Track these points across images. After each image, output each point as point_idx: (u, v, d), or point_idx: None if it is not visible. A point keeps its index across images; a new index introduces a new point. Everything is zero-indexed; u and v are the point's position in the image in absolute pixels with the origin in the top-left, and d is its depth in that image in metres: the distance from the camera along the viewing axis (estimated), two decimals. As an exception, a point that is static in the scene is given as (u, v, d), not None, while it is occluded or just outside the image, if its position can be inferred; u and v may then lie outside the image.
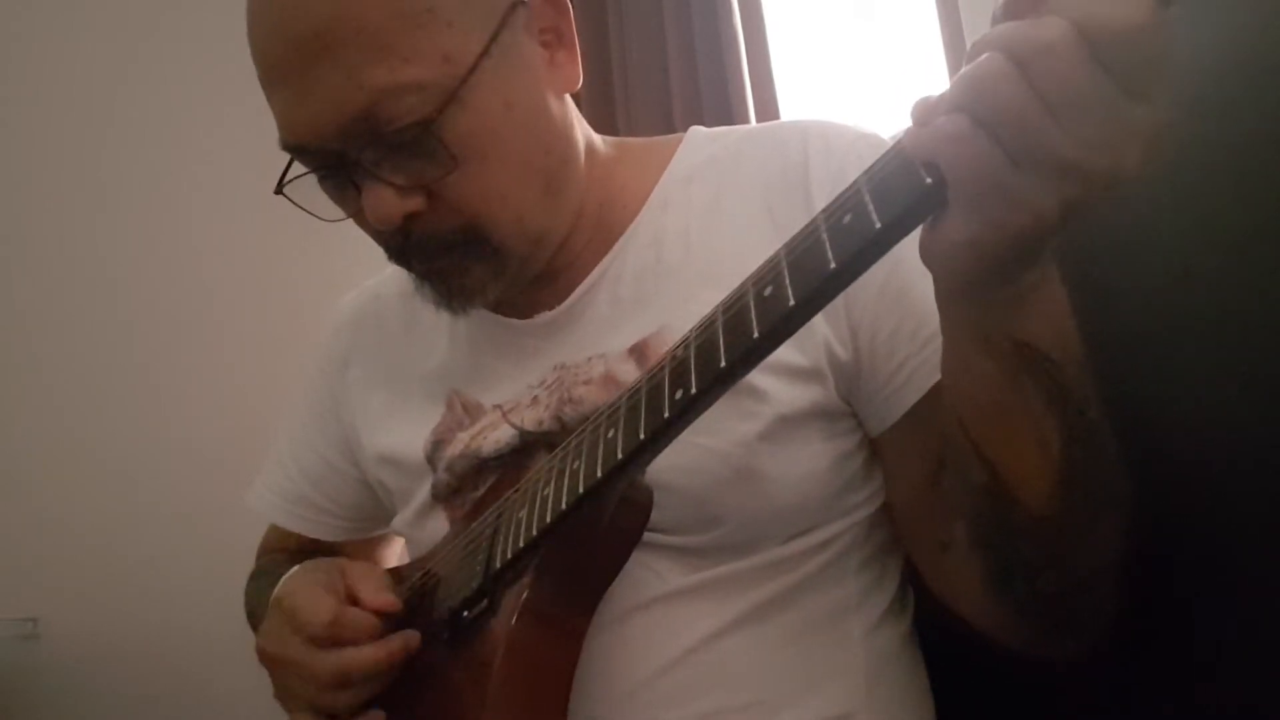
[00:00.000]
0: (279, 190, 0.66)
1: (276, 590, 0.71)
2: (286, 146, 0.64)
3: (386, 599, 0.68)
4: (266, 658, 0.70)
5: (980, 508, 0.54)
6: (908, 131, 0.41)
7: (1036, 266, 0.44)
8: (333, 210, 0.68)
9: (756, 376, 0.64)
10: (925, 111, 0.40)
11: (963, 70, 0.39)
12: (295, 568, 0.73)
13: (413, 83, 0.59)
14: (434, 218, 0.64)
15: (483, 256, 0.66)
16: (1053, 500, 0.50)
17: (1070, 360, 0.48)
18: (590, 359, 0.70)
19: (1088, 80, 0.36)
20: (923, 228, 0.43)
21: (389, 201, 0.62)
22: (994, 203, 0.39)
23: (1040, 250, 0.43)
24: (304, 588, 0.69)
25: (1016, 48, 0.37)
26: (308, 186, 0.67)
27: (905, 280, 0.63)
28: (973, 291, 0.46)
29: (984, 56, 0.38)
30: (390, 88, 0.59)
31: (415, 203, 0.63)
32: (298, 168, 0.66)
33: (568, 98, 0.72)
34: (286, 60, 0.60)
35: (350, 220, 0.68)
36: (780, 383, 0.64)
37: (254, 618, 0.84)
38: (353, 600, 0.68)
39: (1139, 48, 0.36)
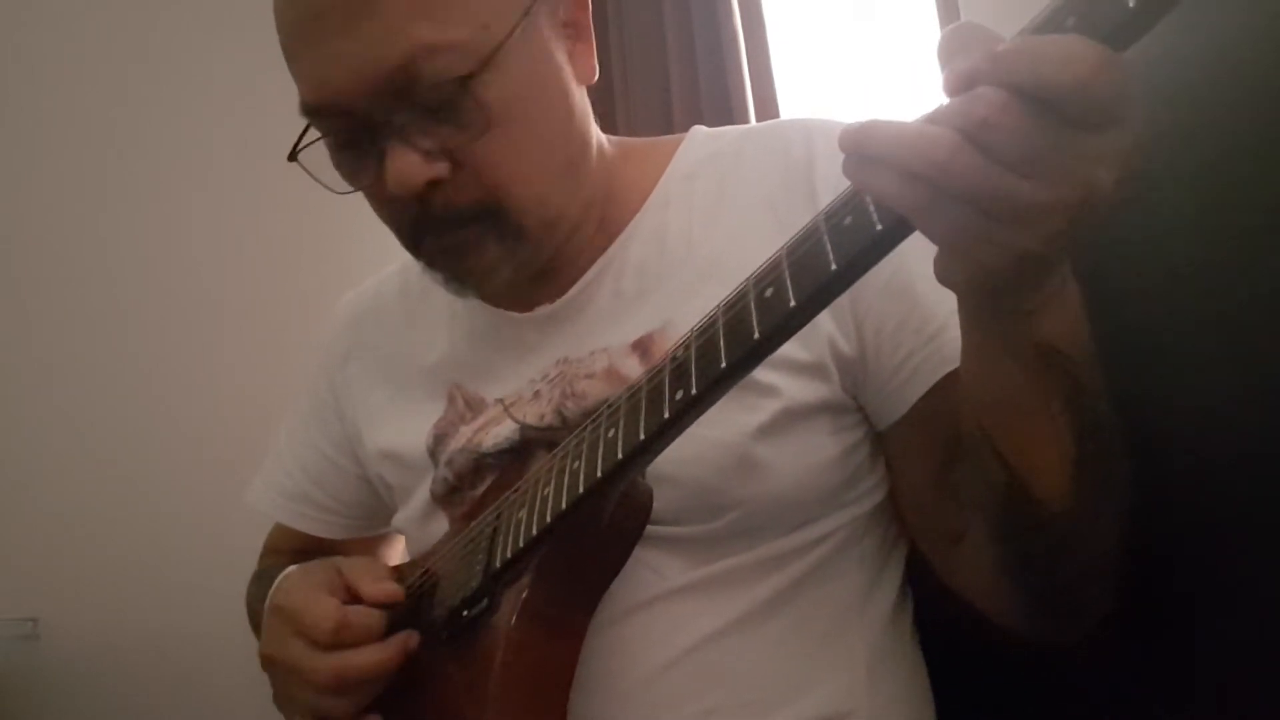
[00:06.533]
0: (293, 156, 0.66)
1: (273, 595, 0.71)
2: (310, 109, 0.63)
3: (388, 589, 0.67)
4: (268, 662, 0.69)
5: (998, 505, 0.54)
6: (863, 173, 0.40)
7: (1052, 274, 0.44)
8: (342, 184, 0.67)
9: (761, 371, 0.63)
10: (880, 151, 0.39)
11: (919, 139, 0.38)
12: (290, 568, 0.73)
13: (452, 42, 0.60)
14: (455, 188, 0.63)
15: (500, 233, 0.66)
16: (1066, 494, 0.51)
17: (1085, 356, 0.48)
18: (593, 353, 0.70)
19: (1041, 134, 0.36)
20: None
21: (414, 165, 0.61)
22: (978, 250, 0.40)
23: (1045, 273, 0.43)
24: (302, 590, 0.69)
25: (961, 123, 0.37)
26: (318, 161, 0.66)
27: (910, 275, 0.64)
28: (992, 307, 0.46)
29: (936, 130, 0.37)
30: (431, 44, 0.59)
31: (440, 169, 0.62)
32: (314, 133, 0.65)
33: (584, 92, 0.72)
34: (329, 12, 0.60)
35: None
36: (785, 378, 0.65)
37: (255, 620, 0.84)
38: (353, 597, 0.67)
39: (1094, 92, 0.35)
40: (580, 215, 0.71)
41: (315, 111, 0.64)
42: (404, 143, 0.61)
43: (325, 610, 0.65)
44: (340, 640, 0.65)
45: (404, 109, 0.61)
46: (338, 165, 0.66)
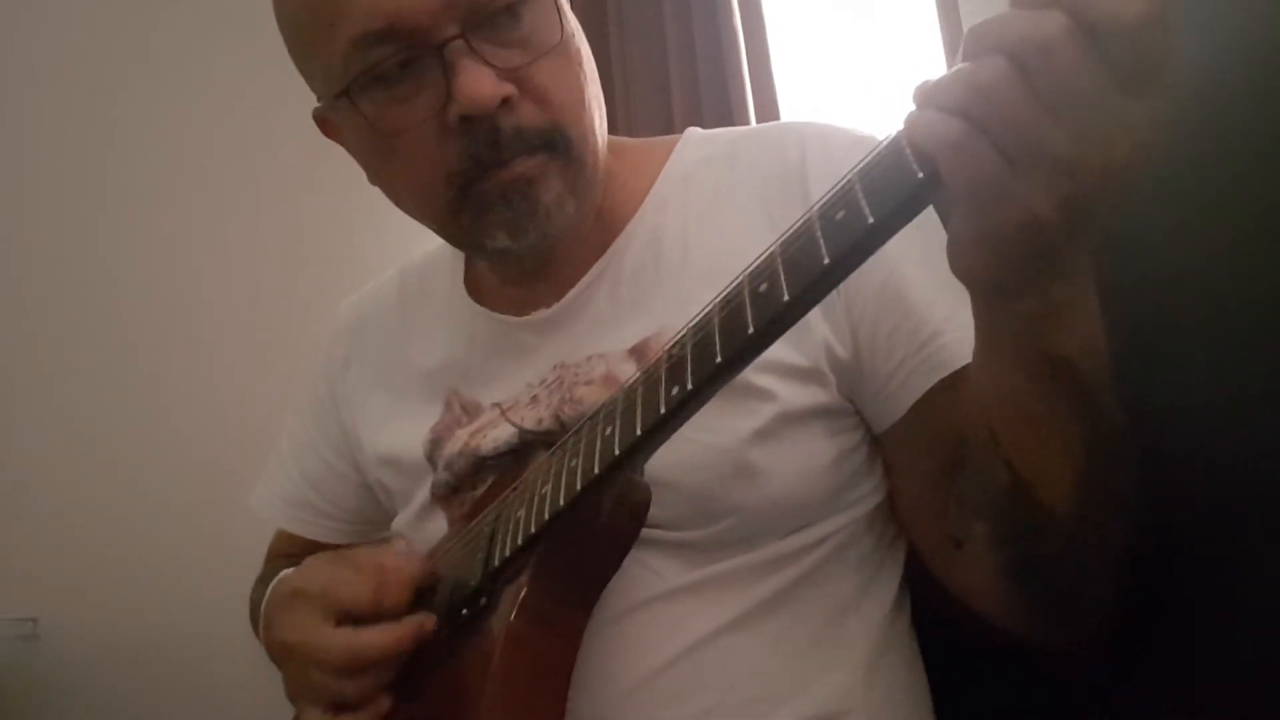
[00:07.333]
0: (345, 92, 0.63)
1: (292, 583, 0.70)
2: (370, 38, 0.61)
3: (411, 555, 0.68)
4: (285, 649, 0.68)
5: (1002, 509, 0.55)
6: (909, 116, 0.41)
7: (1066, 279, 0.44)
8: (390, 119, 0.64)
9: (758, 377, 0.64)
10: (928, 96, 0.40)
11: (964, 72, 0.39)
12: (308, 559, 0.73)
13: None
14: (522, 110, 0.63)
15: (564, 164, 0.65)
16: (1071, 501, 0.51)
17: (1097, 372, 0.48)
18: (590, 358, 0.70)
19: (1087, 77, 0.36)
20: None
21: (488, 81, 0.61)
22: (993, 203, 0.40)
23: (1052, 251, 0.43)
24: (326, 569, 0.69)
25: (1019, 49, 0.37)
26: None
27: (905, 281, 0.63)
28: (1003, 308, 0.46)
29: (987, 60, 0.38)
30: None
31: (508, 88, 0.62)
32: (372, 59, 0.62)
33: None
34: None
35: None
36: (782, 383, 0.65)
37: (257, 622, 0.84)
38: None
39: (1143, 42, 0.36)
40: (603, 181, 0.72)
41: (374, 39, 0.61)
42: (476, 60, 0.61)
43: (360, 579, 0.66)
44: (381, 601, 0.65)
45: (474, 25, 0.61)
46: (384, 111, 0.64)
